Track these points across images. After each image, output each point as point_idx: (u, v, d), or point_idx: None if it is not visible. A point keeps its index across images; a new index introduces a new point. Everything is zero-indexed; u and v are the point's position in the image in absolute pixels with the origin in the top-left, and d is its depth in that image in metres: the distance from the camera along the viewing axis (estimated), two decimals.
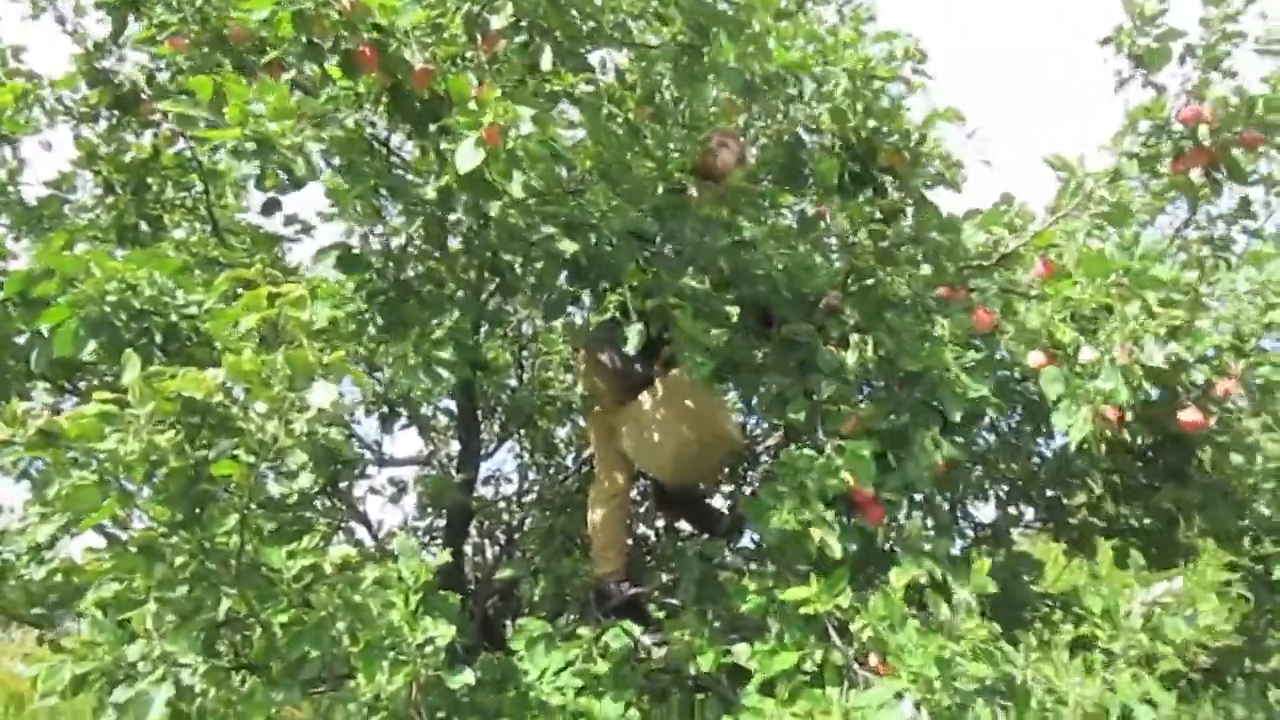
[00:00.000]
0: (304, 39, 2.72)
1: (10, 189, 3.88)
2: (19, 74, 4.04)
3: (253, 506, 2.16)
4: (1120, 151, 3.48)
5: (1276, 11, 3.40)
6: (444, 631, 2.74)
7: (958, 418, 3.17)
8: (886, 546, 3.18)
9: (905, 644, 2.65)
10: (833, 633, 2.98)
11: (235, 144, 2.54)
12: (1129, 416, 2.96)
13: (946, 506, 3.99)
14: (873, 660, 2.86)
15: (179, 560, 2.17)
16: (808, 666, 2.95)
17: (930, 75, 3.46)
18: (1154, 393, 3.02)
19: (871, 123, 3.46)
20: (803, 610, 2.94)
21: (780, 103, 3.53)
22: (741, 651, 3.08)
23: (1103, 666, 2.69)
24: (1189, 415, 3.11)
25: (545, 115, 2.71)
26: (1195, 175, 3.36)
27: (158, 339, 2.89)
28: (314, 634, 2.46)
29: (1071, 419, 3.00)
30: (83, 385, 3.56)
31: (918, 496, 3.26)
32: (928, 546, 3.07)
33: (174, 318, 2.89)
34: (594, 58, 3.40)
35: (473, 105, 2.53)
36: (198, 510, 2.13)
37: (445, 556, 3.07)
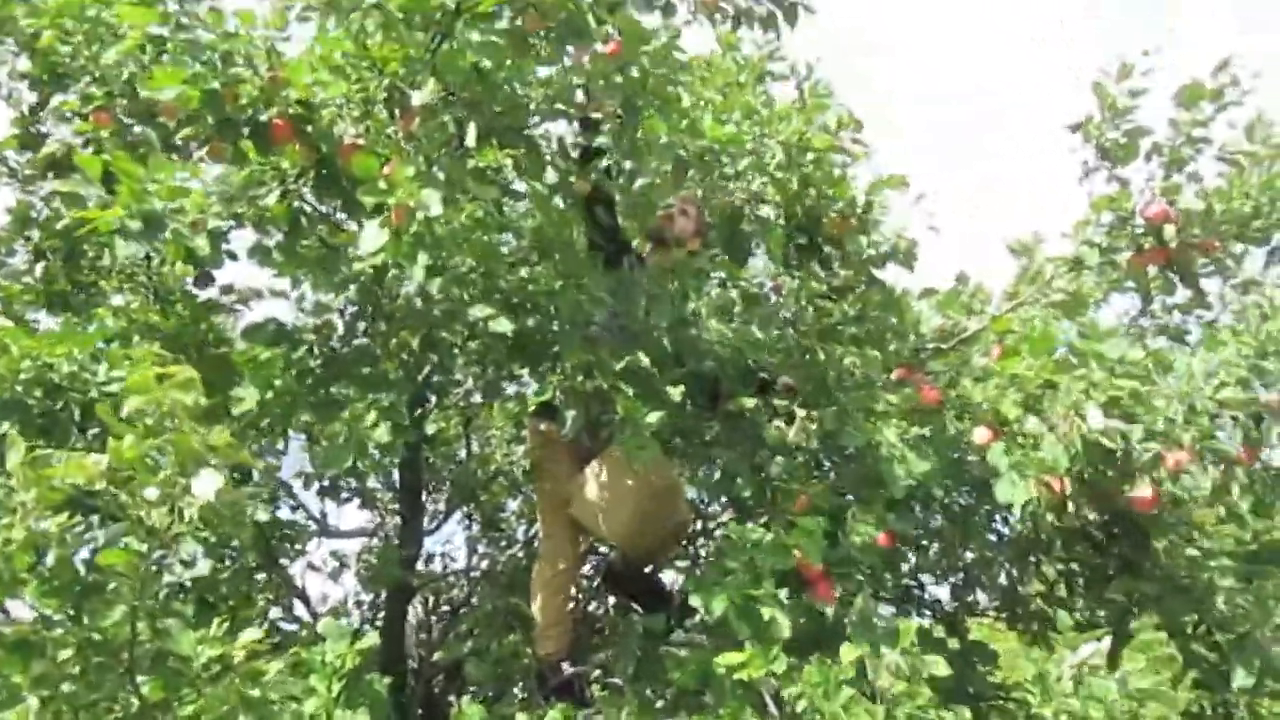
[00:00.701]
0: (211, 118, 2.66)
1: None
2: None
3: (142, 597, 2.04)
4: (1081, 240, 3.49)
5: (1242, 123, 3.46)
6: None
7: (899, 494, 3.09)
8: (838, 625, 3.09)
9: (838, 714, 2.56)
10: (769, 702, 2.89)
11: (120, 223, 2.48)
12: (1070, 488, 2.91)
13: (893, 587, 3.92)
14: None
15: (64, 654, 2.05)
16: None
17: (865, 144, 3.45)
18: (1099, 466, 2.97)
19: (813, 191, 3.44)
20: (737, 676, 2.85)
21: (718, 177, 3.50)
22: None
23: None
24: (1140, 492, 3.05)
25: (476, 187, 2.66)
26: (1151, 270, 3.38)
27: (76, 417, 2.81)
28: None
29: (1014, 489, 2.95)
30: None
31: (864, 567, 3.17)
32: (880, 624, 2.97)
33: (93, 394, 2.81)
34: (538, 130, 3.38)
35: (381, 184, 2.47)
36: (84, 602, 2.01)
37: (373, 639, 2.97)
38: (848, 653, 2.81)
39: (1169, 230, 3.31)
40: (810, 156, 3.32)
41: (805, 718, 2.69)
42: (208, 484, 1.86)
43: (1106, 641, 2.59)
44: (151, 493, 1.92)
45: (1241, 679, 3.25)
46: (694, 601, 2.96)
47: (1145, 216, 3.39)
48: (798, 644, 3.05)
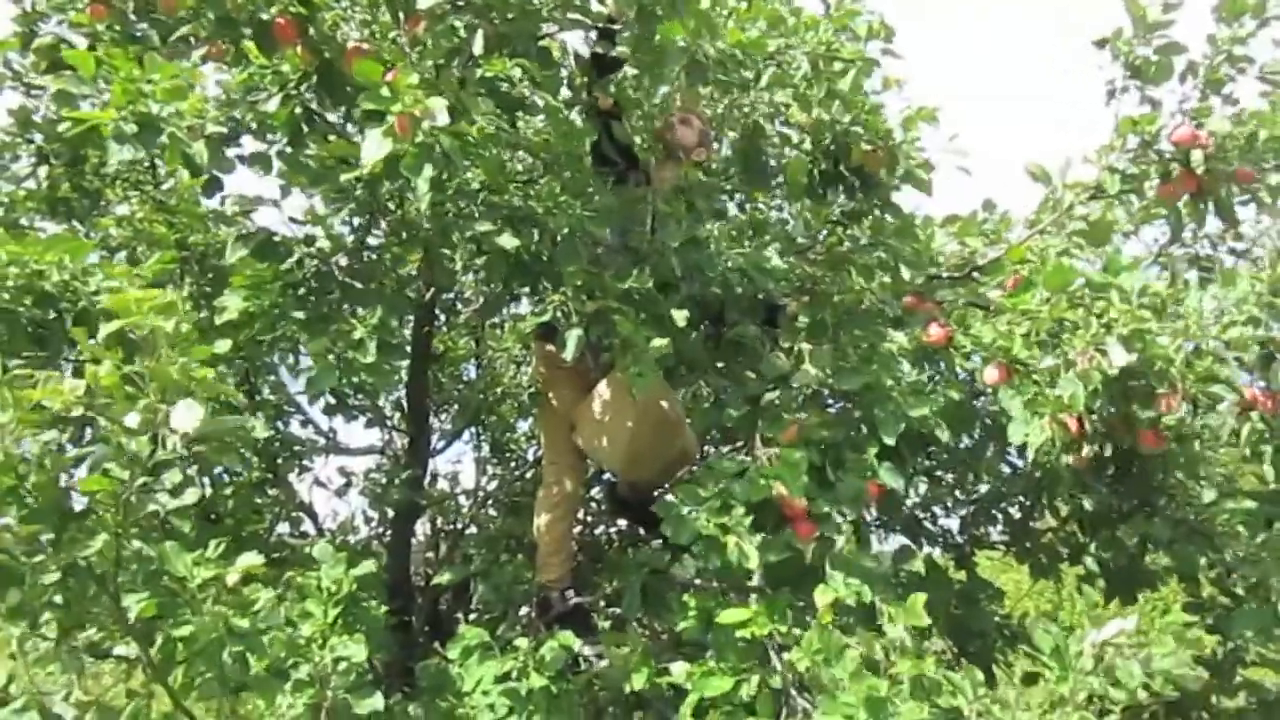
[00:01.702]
0: (212, 13, 2.52)
1: None
2: None
3: (125, 525, 1.99)
4: (1104, 166, 3.29)
5: None
6: (356, 651, 2.60)
7: (892, 440, 2.99)
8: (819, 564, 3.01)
9: (840, 679, 2.50)
10: (773, 656, 2.84)
11: (115, 125, 2.36)
12: (1088, 427, 2.80)
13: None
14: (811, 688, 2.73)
15: (47, 579, 2.00)
16: (744, 691, 2.81)
17: (899, 55, 3.25)
18: (1115, 404, 2.86)
19: (846, 118, 3.26)
20: (740, 633, 2.80)
21: (737, 88, 3.32)
22: (678, 671, 2.93)
23: (1051, 709, 2.54)
24: (1143, 432, 2.96)
25: (472, 102, 2.53)
26: (1181, 203, 3.19)
27: (68, 328, 2.73)
28: (207, 654, 2.31)
29: (1028, 428, 2.84)
30: None
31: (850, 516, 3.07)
32: (860, 565, 2.88)
33: (85, 305, 2.73)
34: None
35: (385, 91, 2.34)
36: (65, 527, 1.96)
37: (370, 566, 2.93)
38: (823, 595, 2.74)
39: (1197, 156, 3.09)
40: (838, 67, 3.12)
41: (806, 676, 2.65)
42: (187, 416, 1.79)
43: (1131, 620, 2.47)
44: (132, 419, 1.86)
45: (1251, 623, 3.21)
46: (664, 529, 2.90)
47: (1171, 140, 3.17)
48: (773, 580, 3.01)
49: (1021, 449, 2.98)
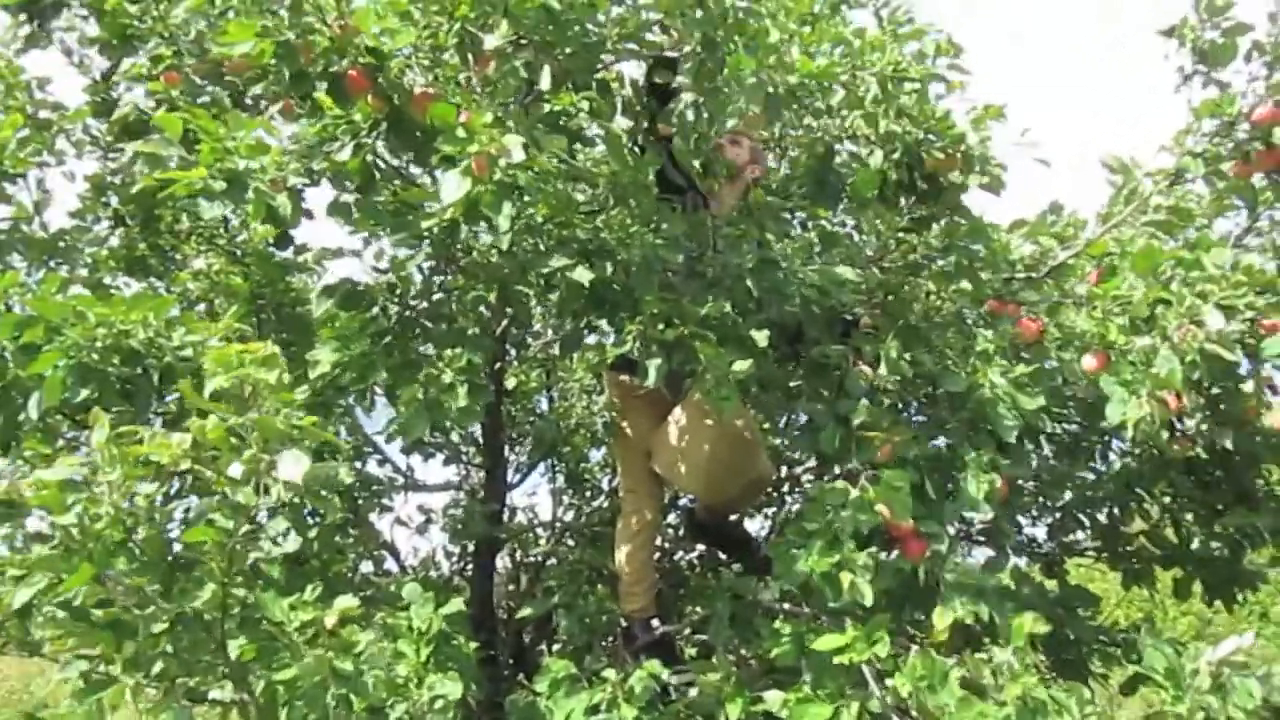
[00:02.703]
0: (288, 70, 2.58)
1: (23, 225, 3.80)
2: (44, 105, 3.98)
3: (231, 574, 2.02)
4: (1183, 151, 3.24)
5: None
6: (451, 689, 2.61)
7: (1012, 437, 2.94)
8: (929, 582, 2.97)
9: (946, 704, 2.45)
10: (870, 681, 2.80)
11: (203, 184, 2.42)
12: (1187, 402, 2.72)
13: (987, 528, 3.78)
14: (915, 713, 2.67)
15: (157, 628, 2.04)
16: (844, 718, 2.76)
17: (967, 70, 3.23)
18: (1218, 380, 2.80)
19: (916, 131, 3.24)
20: (837, 660, 2.76)
21: (808, 113, 3.32)
22: (774, 699, 2.90)
23: None
24: (1274, 419, 2.88)
25: (544, 139, 2.55)
26: (1258, 180, 3.12)
27: (155, 382, 2.79)
28: (310, 696, 2.33)
29: (1125, 406, 2.77)
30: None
31: (958, 527, 3.03)
32: (974, 582, 2.85)
33: (170, 360, 2.78)
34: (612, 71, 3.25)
35: (460, 133, 2.37)
36: (174, 579, 2.00)
37: (458, 604, 2.94)
38: (941, 617, 2.70)
39: (1278, 133, 3.06)
40: (907, 87, 3.11)
41: (910, 702, 2.60)
42: (294, 466, 1.81)
43: (1249, 636, 2.39)
44: (236, 470, 1.88)
45: None
46: (775, 569, 2.89)
47: (1252, 120, 3.12)
48: (887, 601, 2.96)
49: (1118, 435, 2.91)
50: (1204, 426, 2.91)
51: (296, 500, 1.97)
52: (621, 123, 3.28)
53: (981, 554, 4.03)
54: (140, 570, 2.01)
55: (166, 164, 2.56)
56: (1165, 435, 2.76)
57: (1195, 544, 3.59)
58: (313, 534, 3.82)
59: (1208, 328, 2.67)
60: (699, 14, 2.76)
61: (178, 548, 2.17)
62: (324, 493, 1.95)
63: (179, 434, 1.87)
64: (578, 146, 3.41)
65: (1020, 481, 3.97)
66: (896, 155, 3.18)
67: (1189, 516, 3.71)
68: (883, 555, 2.86)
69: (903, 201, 3.38)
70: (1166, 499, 3.81)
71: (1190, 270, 2.85)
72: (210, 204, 2.46)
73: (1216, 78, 3.20)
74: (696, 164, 3.47)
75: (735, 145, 3.67)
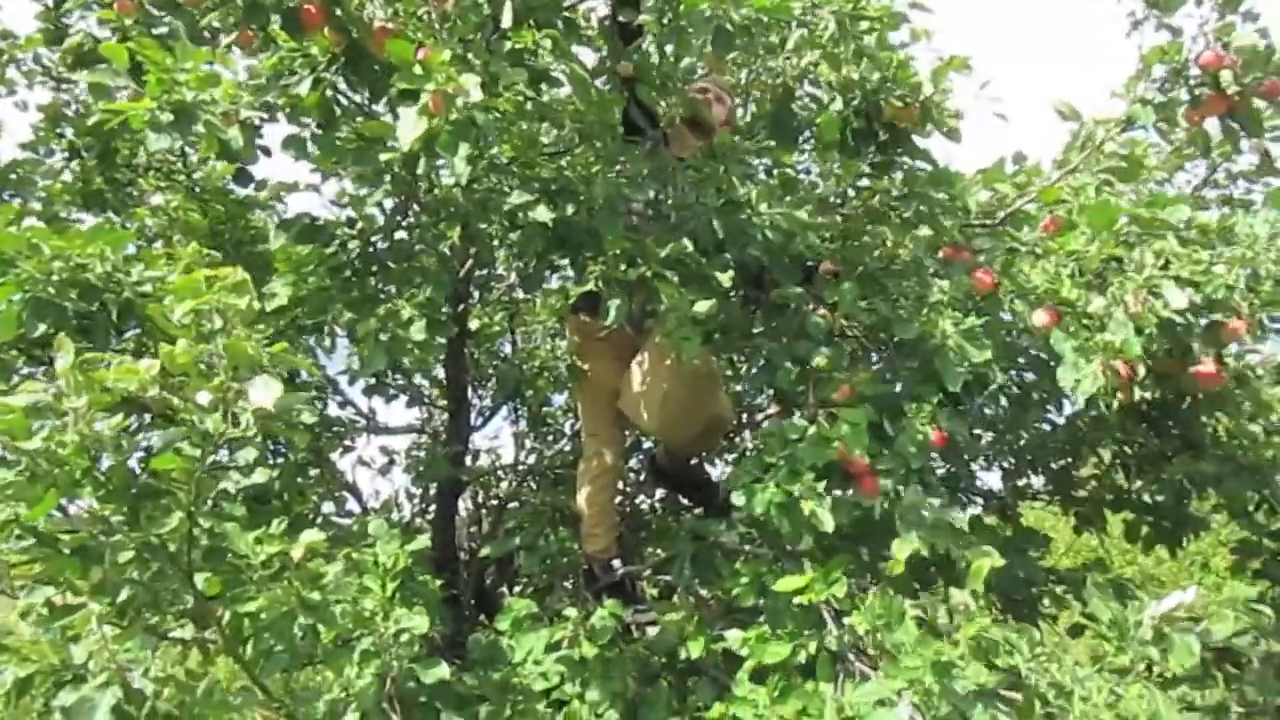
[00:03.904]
0: (240, 1, 2.54)
1: None
2: None
3: (197, 503, 2.02)
4: (1133, 98, 3.27)
5: None
6: (418, 623, 2.64)
7: (957, 387, 3.00)
8: (885, 519, 3.03)
9: (902, 643, 2.52)
10: (829, 620, 2.86)
11: (150, 115, 2.39)
12: (1142, 371, 2.78)
13: (944, 475, 3.85)
14: (871, 651, 2.74)
15: (123, 557, 2.04)
16: (801, 656, 2.83)
17: (929, 9, 3.24)
18: (1166, 345, 2.85)
19: (877, 75, 3.25)
20: (797, 600, 2.82)
21: (765, 52, 3.31)
22: (734, 637, 2.95)
23: (1095, 663, 2.56)
24: (1203, 368, 2.94)
25: (504, 73, 2.54)
26: (1212, 126, 3.16)
27: (113, 317, 2.76)
28: (278, 627, 2.36)
29: (1079, 373, 2.82)
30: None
31: (915, 466, 3.08)
32: (930, 517, 2.90)
33: (129, 295, 2.76)
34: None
35: (417, 70, 2.35)
36: (140, 506, 2.00)
37: (423, 541, 2.96)
38: (900, 549, 2.76)
39: (1226, 76, 3.06)
40: (865, 25, 3.11)
41: (866, 640, 2.67)
42: (265, 391, 1.81)
43: (1191, 592, 2.47)
44: (204, 397, 1.88)
45: None
46: (735, 499, 2.93)
47: (1199, 64, 3.12)
48: (844, 540, 3.02)
49: (1069, 395, 2.98)
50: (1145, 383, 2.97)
51: (266, 428, 1.96)
52: (589, 59, 3.27)
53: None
54: (106, 498, 2.01)
55: (114, 95, 2.52)
56: (1116, 400, 2.82)
57: (1141, 487, 3.68)
58: (276, 472, 3.85)
59: (1167, 300, 2.72)
60: None
61: (144, 479, 2.17)
62: (298, 422, 1.95)
63: (146, 360, 1.86)
64: (543, 86, 3.40)
65: (975, 431, 4.06)
66: (855, 102, 3.20)
67: (1137, 463, 3.80)
68: (839, 493, 2.93)
69: (865, 149, 3.39)
70: (1116, 446, 3.89)
71: (1146, 228, 2.90)
72: (158, 136, 2.43)
73: (1168, 23, 3.21)
74: (664, 105, 3.47)
75: (719, 102, 3.68)
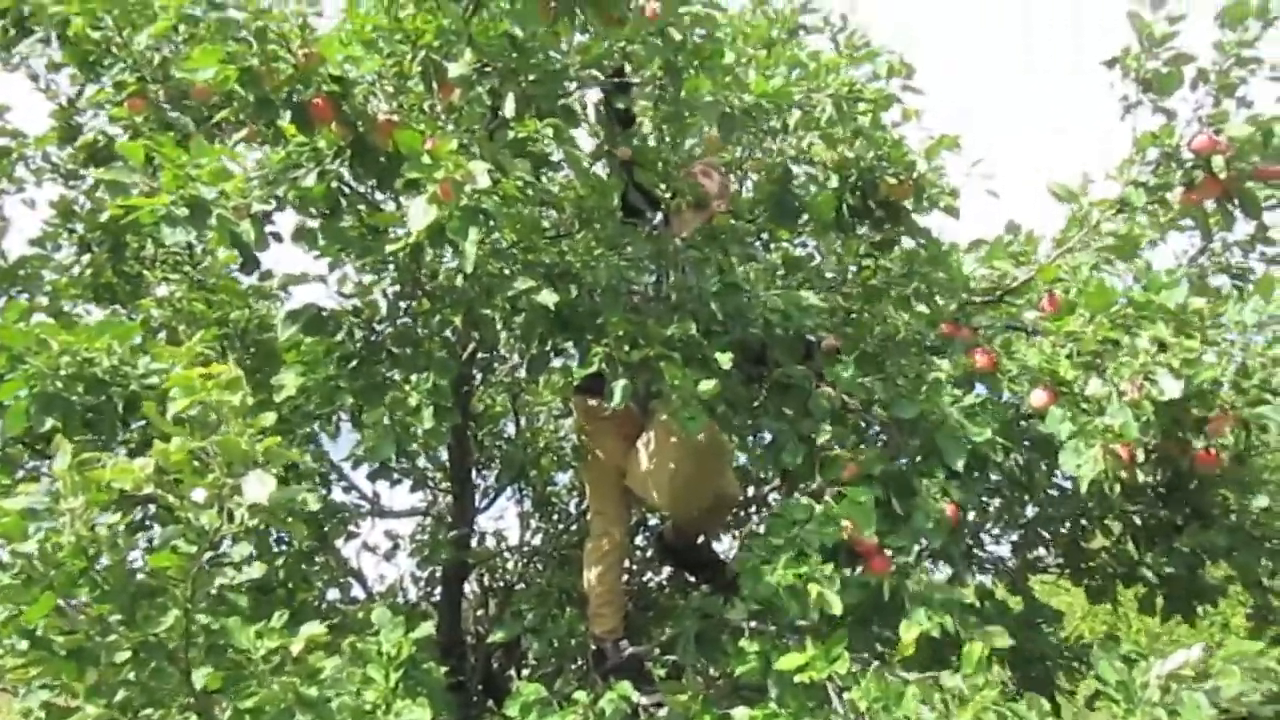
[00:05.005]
0: (252, 96, 2.59)
1: None
2: (3, 132, 3.97)
3: (194, 600, 2.01)
4: (1127, 180, 3.31)
5: None
6: (420, 715, 2.61)
7: (959, 465, 3.00)
8: (895, 597, 3.01)
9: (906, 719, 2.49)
10: (834, 697, 2.82)
11: (166, 210, 2.43)
12: (1141, 455, 2.78)
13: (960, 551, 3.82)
14: None
15: (120, 657, 2.03)
16: None
17: (919, 90, 3.30)
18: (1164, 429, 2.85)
19: (871, 154, 3.31)
20: (799, 677, 2.79)
21: (765, 134, 3.38)
22: (740, 716, 2.91)
23: None
24: (1199, 452, 2.96)
25: (508, 164, 2.58)
26: (1208, 206, 3.20)
27: (119, 410, 2.78)
28: None
29: (1080, 458, 2.83)
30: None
31: (924, 542, 3.07)
32: (939, 596, 2.89)
33: (134, 387, 2.78)
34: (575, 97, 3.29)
35: (426, 159, 2.39)
36: (137, 605, 1.99)
37: (428, 628, 2.94)
38: (907, 631, 2.74)
39: (1219, 161, 3.09)
40: (862, 107, 3.18)
41: (867, 717, 2.64)
42: (259, 487, 1.82)
43: (1197, 650, 2.44)
44: (199, 495, 1.89)
45: None
46: (741, 583, 2.92)
47: (1192, 149, 3.17)
48: (853, 620, 2.99)
49: (1073, 477, 2.98)
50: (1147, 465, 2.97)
51: (261, 525, 1.96)
52: (585, 147, 3.32)
53: (945, 574, 4.08)
54: (102, 598, 2.00)
55: (129, 191, 2.56)
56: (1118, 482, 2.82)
57: (1152, 559, 3.65)
58: (279, 561, 3.83)
59: (1161, 388, 2.73)
60: (659, 41, 2.81)
61: (141, 577, 2.16)
62: (296, 516, 1.95)
63: (142, 459, 1.87)
64: (543, 171, 3.46)
65: (984, 500, 4.04)
66: (852, 180, 3.24)
67: (1147, 534, 3.77)
68: (848, 571, 2.91)
69: (861, 226, 3.44)
70: (1125, 519, 3.86)
71: (1142, 311, 2.91)
72: (173, 230, 2.46)
73: (1163, 106, 3.26)
74: (663, 187, 3.52)
75: (707, 177, 3.71)
